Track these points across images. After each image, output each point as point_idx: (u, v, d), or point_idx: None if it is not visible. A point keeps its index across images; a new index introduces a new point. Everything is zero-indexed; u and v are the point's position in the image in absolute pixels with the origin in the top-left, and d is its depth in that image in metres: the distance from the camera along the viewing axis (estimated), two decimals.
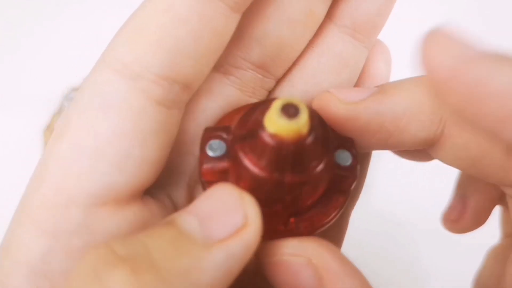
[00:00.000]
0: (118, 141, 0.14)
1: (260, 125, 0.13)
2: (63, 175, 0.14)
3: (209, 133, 0.15)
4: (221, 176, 0.15)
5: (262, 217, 0.13)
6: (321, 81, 0.17)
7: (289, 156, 0.13)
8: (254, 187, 0.14)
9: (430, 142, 0.16)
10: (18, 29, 0.42)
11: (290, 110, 0.13)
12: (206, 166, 0.15)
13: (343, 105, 0.15)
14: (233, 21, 0.15)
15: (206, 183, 0.15)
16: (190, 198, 0.17)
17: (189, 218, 0.13)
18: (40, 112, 0.39)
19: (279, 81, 0.18)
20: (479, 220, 0.20)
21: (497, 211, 0.20)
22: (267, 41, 0.16)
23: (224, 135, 0.15)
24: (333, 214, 0.15)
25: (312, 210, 0.15)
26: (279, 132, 0.13)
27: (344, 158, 0.16)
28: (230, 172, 0.15)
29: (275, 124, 0.13)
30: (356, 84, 0.19)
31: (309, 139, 0.13)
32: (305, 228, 0.15)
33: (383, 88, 0.16)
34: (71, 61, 0.41)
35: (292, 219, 0.15)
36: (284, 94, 0.18)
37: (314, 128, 0.13)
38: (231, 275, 0.13)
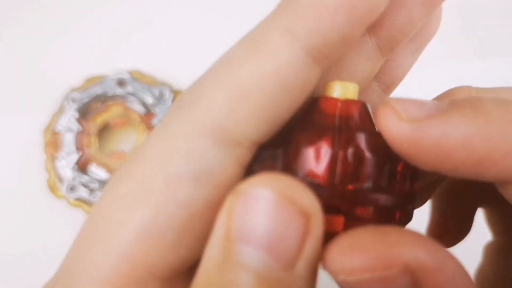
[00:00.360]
0: (210, 214, 0.13)
1: (316, 100, 0.14)
2: (146, 250, 0.13)
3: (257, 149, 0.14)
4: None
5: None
6: None
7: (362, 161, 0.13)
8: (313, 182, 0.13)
9: (504, 180, 0.13)
10: (18, 29, 0.42)
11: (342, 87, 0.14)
12: (258, 162, 0.14)
13: (407, 124, 0.13)
14: (316, 73, 0.14)
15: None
16: None
17: (251, 252, 0.12)
18: (40, 112, 0.39)
19: None
20: (464, 229, 0.20)
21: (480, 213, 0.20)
22: None
23: (275, 151, 0.14)
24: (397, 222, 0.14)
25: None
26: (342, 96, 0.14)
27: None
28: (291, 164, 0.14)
29: (333, 89, 0.14)
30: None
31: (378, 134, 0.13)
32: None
33: (455, 108, 0.13)
34: (71, 61, 0.41)
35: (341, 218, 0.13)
36: None
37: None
38: (316, 274, 0.12)
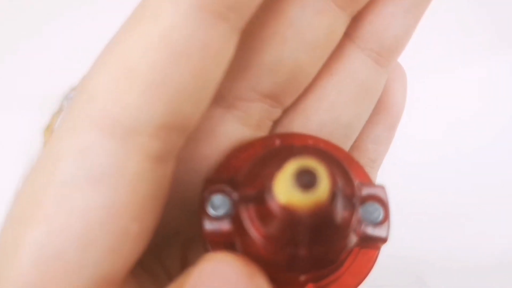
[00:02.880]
0: (113, 219, 0.11)
1: (269, 191, 0.11)
2: (42, 274, 0.11)
3: (211, 186, 0.13)
4: (227, 238, 0.13)
5: (276, 286, 0.11)
6: (341, 113, 0.15)
7: (304, 230, 0.11)
8: (262, 257, 0.12)
9: None
10: (18, 29, 0.42)
11: (305, 179, 0.10)
12: (208, 227, 0.12)
13: None
14: (234, 43, 0.12)
15: (211, 244, 0.13)
16: (185, 261, 0.14)
17: None
18: (40, 112, 0.39)
19: (289, 111, 0.15)
20: None
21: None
22: (281, 68, 0.14)
23: (229, 189, 0.13)
24: (358, 280, 0.13)
25: (334, 275, 0.13)
26: (292, 204, 0.10)
27: (373, 212, 0.13)
28: (236, 236, 0.12)
29: (287, 196, 0.10)
30: (372, 113, 0.16)
31: (331, 206, 0.11)
32: None
33: None
34: (71, 60, 0.41)
35: (310, 286, 0.13)
36: (298, 129, 0.15)
37: (337, 191, 0.11)
38: None
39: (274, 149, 0.14)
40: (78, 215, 0.11)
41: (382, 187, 0.13)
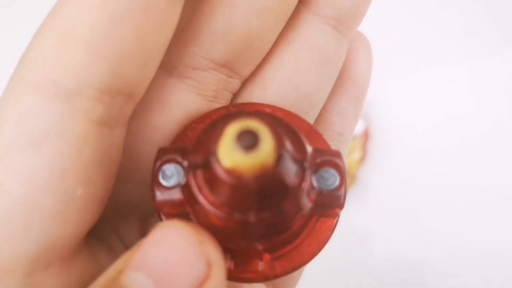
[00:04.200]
0: (57, 183, 0.11)
1: (214, 155, 0.11)
2: None
3: (163, 156, 0.13)
4: (180, 208, 0.12)
5: (231, 257, 0.12)
6: (300, 83, 0.15)
7: (252, 194, 0.11)
8: (215, 225, 0.12)
9: None
10: (16, 28, 0.42)
11: (247, 140, 0.10)
12: (160, 198, 0.12)
13: None
14: (178, 7, 0.12)
15: (164, 215, 0.13)
16: (143, 233, 0.14)
17: (139, 278, 0.10)
18: None
19: (247, 82, 0.15)
20: None
21: None
22: (232, 35, 0.13)
23: (180, 159, 0.12)
24: (316, 249, 0.13)
25: (291, 244, 0.13)
26: (237, 167, 0.10)
27: (329, 178, 0.12)
28: (188, 205, 0.12)
29: (230, 158, 0.10)
30: (335, 85, 0.16)
31: (277, 169, 0.11)
32: (282, 267, 0.13)
33: None
34: None
35: (266, 256, 0.13)
36: (255, 99, 0.15)
37: (283, 153, 0.11)
38: None
39: (223, 116, 0.13)
40: (22, 178, 0.11)
41: (337, 153, 0.13)
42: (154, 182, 0.12)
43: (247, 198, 0.11)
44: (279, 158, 0.11)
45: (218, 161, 0.10)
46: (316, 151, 0.13)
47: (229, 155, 0.10)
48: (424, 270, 0.36)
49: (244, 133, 0.10)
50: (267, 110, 0.14)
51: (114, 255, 0.13)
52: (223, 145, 0.10)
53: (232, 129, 0.10)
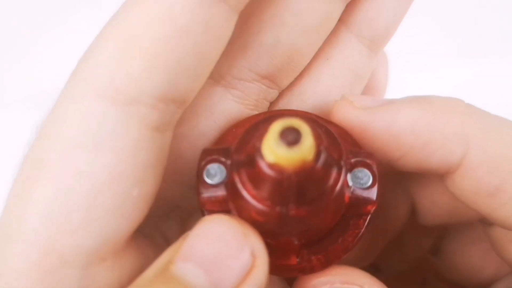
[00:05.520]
0: (116, 182, 0.12)
1: (258, 152, 0.11)
2: (53, 231, 0.11)
3: (207, 156, 0.13)
4: (223, 205, 0.13)
5: (270, 251, 0.12)
6: (335, 97, 0.16)
7: (292, 188, 0.12)
8: (257, 219, 0.12)
9: (448, 168, 0.14)
10: (16, 28, 0.42)
11: (290, 136, 0.11)
12: (205, 195, 0.13)
13: (359, 111, 0.14)
14: (233, 23, 0.13)
15: (208, 212, 0.13)
16: (183, 232, 0.15)
17: (189, 267, 0.11)
18: (40, 111, 0.39)
19: (286, 92, 0.16)
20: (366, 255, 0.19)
21: None
22: (278, 50, 0.14)
23: (223, 159, 0.13)
24: (350, 244, 0.14)
25: (327, 239, 0.14)
26: (279, 162, 0.11)
27: (362, 178, 0.13)
28: (230, 201, 0.13)
29: (274, 153, 0.11)
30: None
31: (316, 165, 0.11)
32: (318, 261, 0.13)
33: (403, 100, 0.14)
34: (69, 59, 0.41)
35: (304, 251, 0.13)
36: (294, 108, 0.16)
37: (322, 151, 0.12)
38: None
39: (264, 118, 0.14)
40: (84, 176, 0.11)
41: (371, 154, 0.14)
42: (199, 181, 0.13)
43: (288, 193, 0.12)
44: (319, 154, 0.11)
45: (261, 156, 0.11)
46: (351, 152, 0.14)
47: (272, 150, 0.11)
48: None
49: (287, 129, 0.11)
50: (304, 114, 0.15)
51: (158, 250, 0.13)
52: (267, 141, 0.11)
53: (276, 126, 0.11)
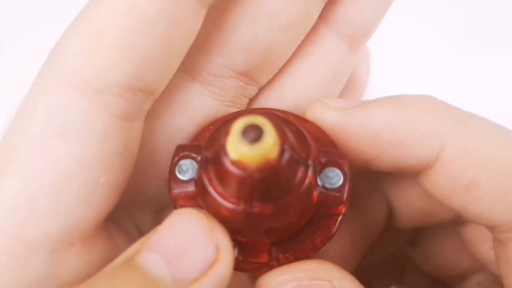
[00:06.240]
0: (82, 170, 0.12)
1: (223, 149, 0.12)
2: (19, 219, 0.12)
3: (180, 152, 0.14)
4: (193, 201, 0.13)
5: (241, 248, 0.12)
6: (315, 93, 0.16)
7: (256, 185, 0.12)
8: (224, 216, 0.12)
9: (425, 164, 0.14)
10: (21, 28, 0.42)
11: (251, 133, 0.11)
12: (175, 190, 0.13)
13: (335, 112, 0.14)
14: (201, 17, 0.13)
15: (180, 207, 0.13)
16: (157, 223, 0.15)
17: (153, 258, 0.11)
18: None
19: (265, 88, 0.16)
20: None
21: None
22: (255, 47, 0.14)
23: (195, 155, 0.13)
24: (320, 244, 0.14)
25: (296, 238, 0.14)
26: (242, 159, 0.11)
27: (333, 177, 0.13)
28: (199, 197, 0.13)
29: (236, 150, 0.11)
30: (341, 92, 0.17)
31: (280, 163, 0.11)
32: (286, 259, 0.14)
33: (378, 100, 0.14)
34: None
35: (272, 249, 0.14)
36: (271, 106, 0.16)
37: (286, 149, 0.12)
38: None
39: (235, 116, 0.14)
40: (51, 166, 0.12)
41: (344, 154, 0.14)
42: (171, 176, 0.14)
43: (252, 189, 0.12)
44: (282, 152, 0.11)
45: (226, 154, 0.11)
46: (322, 151, 0.13)
47: (235, 147, 0.11)
48: None
49: (249, 127, 0.11)
50: (279, 114, 0.15)
51: (131, 241, 0.14)
52: (231, 139, 0.11)
53: (238, 124, 0.11)
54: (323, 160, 0.13)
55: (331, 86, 0.16)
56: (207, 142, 0.13)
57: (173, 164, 0.14)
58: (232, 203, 0.12)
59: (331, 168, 0.13)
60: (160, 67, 0.12)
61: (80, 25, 0.12)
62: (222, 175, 0.12)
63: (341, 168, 0.13)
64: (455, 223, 0.17)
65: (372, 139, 0.14)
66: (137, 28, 0.12)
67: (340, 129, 0.14)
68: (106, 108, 0.12)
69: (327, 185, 0.13)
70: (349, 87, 0.18)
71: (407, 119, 0.13)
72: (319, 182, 0.13)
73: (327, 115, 0.14)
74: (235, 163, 0.11)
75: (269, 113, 0.15)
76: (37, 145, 0.12)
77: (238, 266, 0.13)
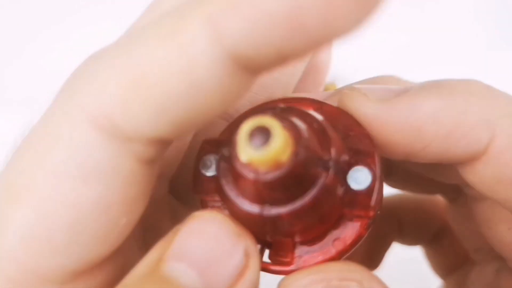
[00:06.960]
0: (104, 213, 0.11)
1: (234, 150, 0.11)
2: (32, 251, 0.11)
3: (206, 147, 0.13)
4: (215, 197, 0.13)
5: (263, 250, 0.12)
6: (281, 75, 0.15)
7: (269, 188, 0.11)
8: (240, 217, 0.12)
9: (472, 156, 0.13)
10: (15, 28, 0.42)
11: (259, 137, 0.10)
12: (198, 186, 0.13)
13: (375, 104, 0.13)
14: (249, 87, 0.12)
15: (201, 204, 0.13)
16: (172, 220, 0.15)
17: (182, 268, 0.11)
18: (40, 110, 0.39)
19: None
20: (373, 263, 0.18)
21: None
22: None
23: (217, 150, 0.13)
24: (348, 246, 0.13)
25: (323, 239, 0.13)
26: (251, 162, 0.11)
27: (361, 177, 0.12)
28: (218, 194, 0.13)
29: (245, 154, 0.11)
30: (301, 78, 0.17)
31: (294, 165, 0.11)
32: (312, 259, 0.13)
33: (421, 88, 0.13)
34: (68, 61, 0.41)
35: (297, 251, 0.13)
36: None
37: (300, 150, 0.11)
38: None
39: (254, 109, 0.14)
40: (68, 205, 0.11)
41: (372, 153, 0.13)
42: (195, 171, 0.13)
43: (265, 192, 0.11)
44: (295, 154, 0.11)
45: (236, 155, 0.11)
46: (349, 148, 0.13)
47: (244, 150, 0.11)
48: (427, 270, 0.36)
49: (256, 130, 0.10)
50: (312, 106, 0.14)
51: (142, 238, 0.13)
52: (239, 142, 0.11)
53: (246, 126, 0.10)
54: (348, 158, 0.12)
55: (295, 66, 0.16)
56: (226, 139, 0.13)
57: (198, 159, 0.13)
58: (247, 204, 0.12)
59: (359, 167, 0.12)
60: (194, 127, 0.12)
61: (125, 61, 0.11)
62: (235, 176, 0.12)
63: (369, 167, 0.12)
64: (470, 198, 0.16)
65: (416, 132, 0.13)
66: (184, 90, 0.10)
67: (383, 122, 0.13)
68: (133, 154, 0.11)
69: (353, 186, 0.12)
70: (310, 73, 0.17)
71: (454, 110, 0.12)
72: (346, 182, 0.12)
73: (366, 108, 0.13)
74: (245, 166, 0.11)
75: (288, 109, 0.14)
76: (56, 181, 0.11)
77: (263, 267, 0.13)
